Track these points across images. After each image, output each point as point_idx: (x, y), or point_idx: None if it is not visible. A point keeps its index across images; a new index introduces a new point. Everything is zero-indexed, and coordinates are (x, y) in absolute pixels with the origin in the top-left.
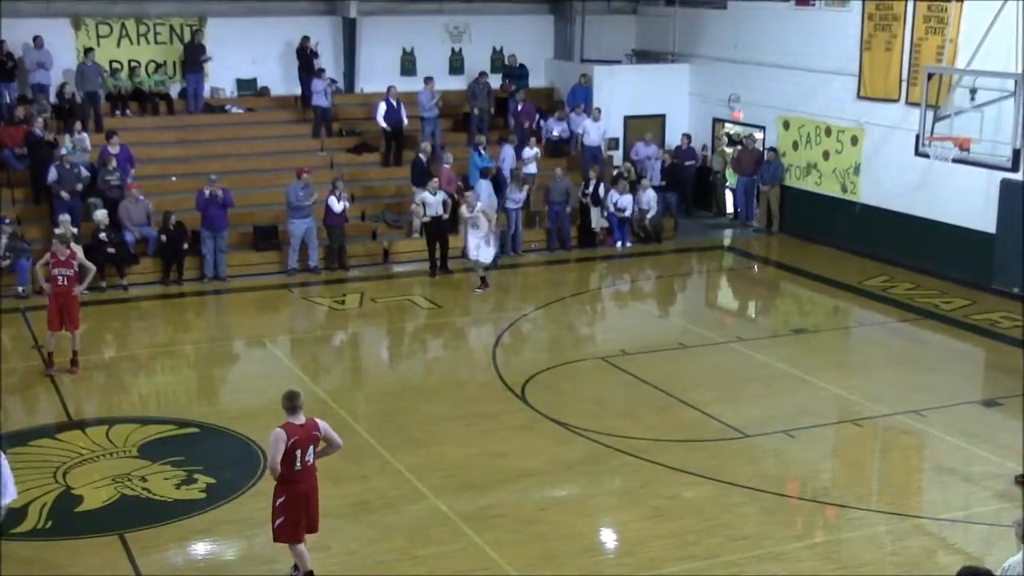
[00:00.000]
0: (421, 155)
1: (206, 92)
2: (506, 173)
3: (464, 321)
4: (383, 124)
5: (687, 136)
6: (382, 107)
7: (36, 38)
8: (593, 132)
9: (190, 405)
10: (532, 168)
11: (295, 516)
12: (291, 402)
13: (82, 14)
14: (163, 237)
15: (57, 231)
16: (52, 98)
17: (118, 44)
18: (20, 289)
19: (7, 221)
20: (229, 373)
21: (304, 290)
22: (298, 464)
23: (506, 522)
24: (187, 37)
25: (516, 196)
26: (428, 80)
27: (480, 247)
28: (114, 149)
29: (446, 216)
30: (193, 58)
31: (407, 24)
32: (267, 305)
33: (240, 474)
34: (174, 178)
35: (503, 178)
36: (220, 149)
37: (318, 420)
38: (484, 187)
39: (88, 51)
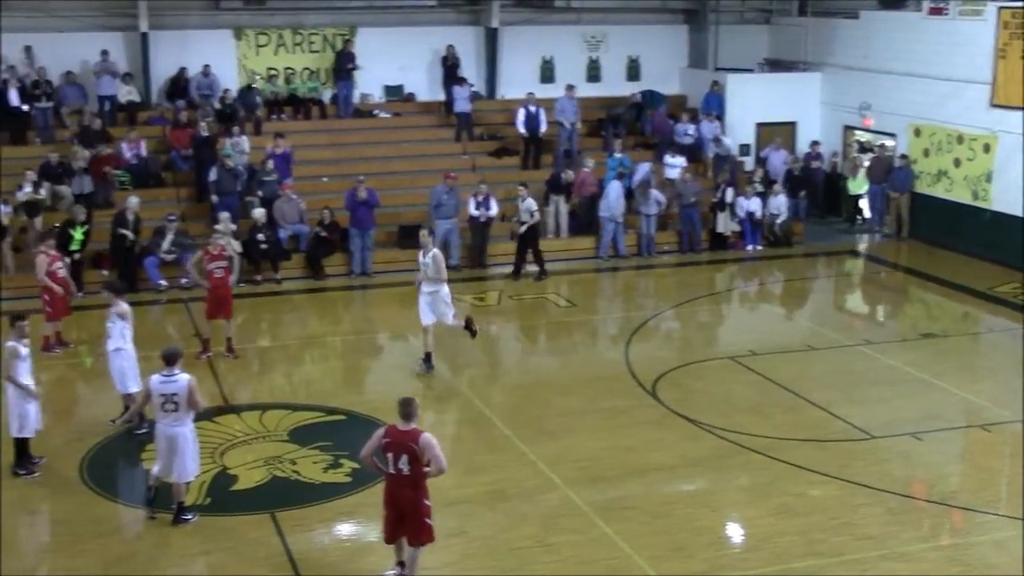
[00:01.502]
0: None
1: (356, 98)
2: (634, 183)
3: (598, 319)
4: (523, 130)
5: (816, 143)
6: (522, 113)
7: (205, 67)
8: (724, 138)
9: (337, 394)
10: (674, 174)
11: (387, 514)
12: (402, 408)
13: (243, 25)
14: (322, 232)
15: (217, 227)
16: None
17: (275, 52)
18: (184, 281)
19: (173, 218)
20: (374, 364)
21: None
22: (390, 467)
23: (636, 514)
24: (338, 46)
25: (648, 208)
26: (570, 87)
27: (425, 308)
28: (279, 150)
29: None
30: (344, 66)
31: (546, 34)
32: (410, 301)
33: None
34: (325, 179)
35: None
36: (368, 152)
37: (425, 435)
38: (615, 188)
39: (250, 87)
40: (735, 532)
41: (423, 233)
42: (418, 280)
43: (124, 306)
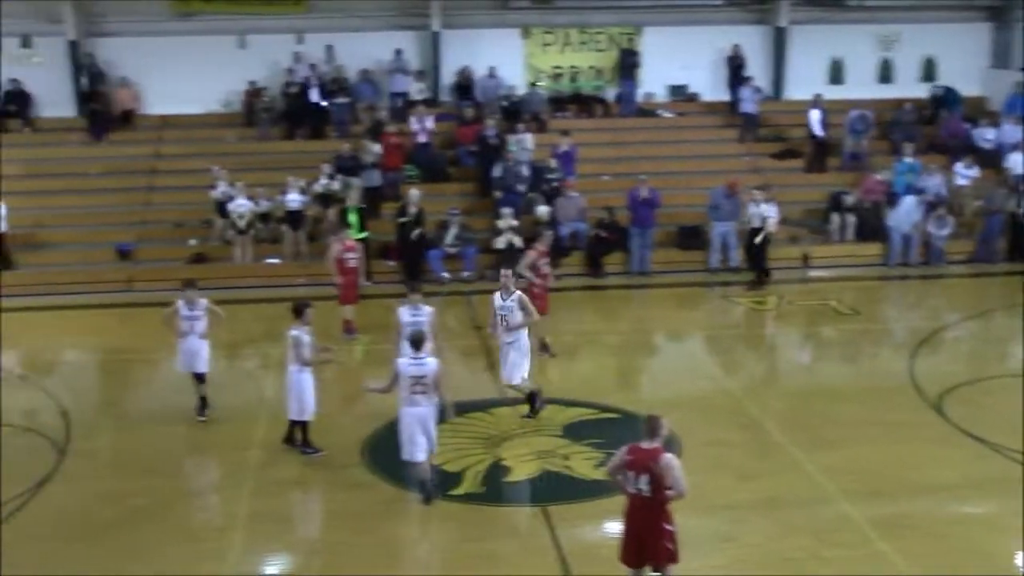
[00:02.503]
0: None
1: (639, 97)
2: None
3: (882, 329)
4: (820, 131)
5: None
6: (815, 115)
7: (491, 67)
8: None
9: (611, 391)
10: (964, 181)
11: (626, 535)
12: (647, 425)
13: (531, 24)
14: (602, 233)
15: (499, 224)
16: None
17: (561, 51)
18: (466, 274)
19: (456, 212)
20: (649, 364)
21: (724, 289)
22: (630, 486)
23: (915, 533)
24: (623, 45)
25: (940, 230)
26: (861, 103)
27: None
28: (562, 148)
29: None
30: (627, 64)
31: (836, 33)
32: (687, 302)
33: None
34: (606, 177)
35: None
36: (650, 151)
37: (667, 456)
38: (908, 203)
39: (535, 85)
40: (1020, 560)
41: (505, 274)
42: (493, 325)
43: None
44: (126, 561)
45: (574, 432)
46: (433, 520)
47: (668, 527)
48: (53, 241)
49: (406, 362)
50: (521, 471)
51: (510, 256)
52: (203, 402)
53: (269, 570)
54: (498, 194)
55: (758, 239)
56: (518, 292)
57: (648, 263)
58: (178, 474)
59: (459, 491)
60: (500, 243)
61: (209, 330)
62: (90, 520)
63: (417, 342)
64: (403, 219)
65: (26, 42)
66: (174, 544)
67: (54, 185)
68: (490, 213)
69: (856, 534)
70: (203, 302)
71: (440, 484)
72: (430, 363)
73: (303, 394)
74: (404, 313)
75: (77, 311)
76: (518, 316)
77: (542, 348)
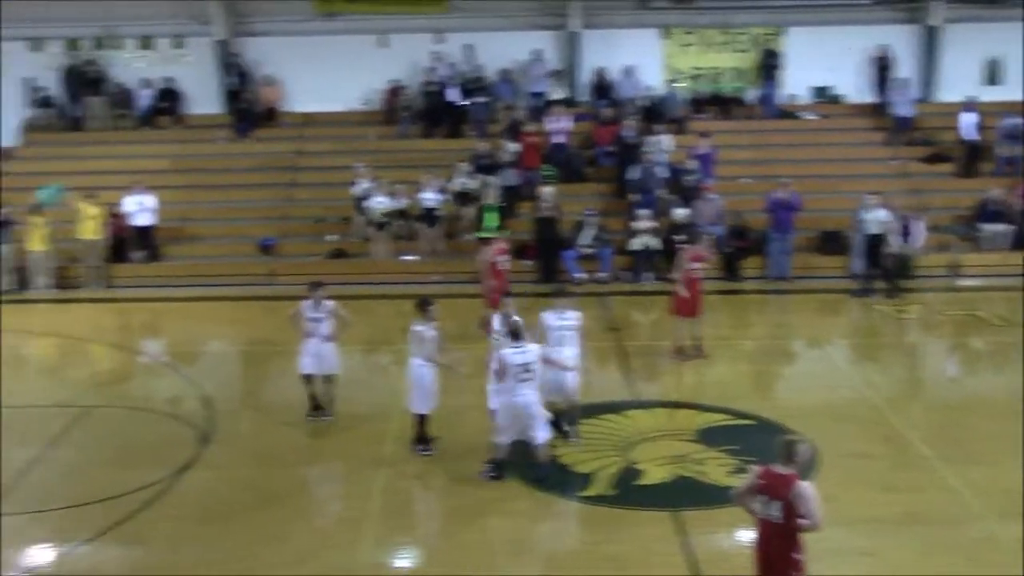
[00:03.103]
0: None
1: (781, 99)
2: None
3: None
4: (970, 135)
5: None
6: (967, 118)
7: (628, 67)
8: None
9: (747, 397)
10: None
11: (757, 561)
12: (782, 449)
13: (671, 24)
14: (735, 241)
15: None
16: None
17: (701, 51)
18: (601, 275)
19: (592, 213)
20: (786, 371)
21: (866, 296)
22: (760, 512)
23: None
24: (766, 45)
25: None
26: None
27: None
28: (701, 150)
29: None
30: (769, 65)
31: (994, 31)
32: (828, 308)
33: None
34: (746, 180)
35: None
36: (791, 154)
37: (802, 484)
38: None
39: (674, 85)
40: None
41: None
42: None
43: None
44: (259, 546)
45: (709, 438)
46: (562, 520)
47: (797, 556)
48: (199, 234)
49: (511, 352)
50: (654, 475)
51: (646, 257)
52: (314, 401)
53: (397, 562)
54: (635, 196)
55: (890, 249)
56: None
57: (787, 268)
58: (313, 464)
59: (589, 492)
60: (636, 245)
61: (335, 333)
62: (227, 505)
63: (516, 332)
64: (539, 217)
65: (178, 42)
66: (306, 532)
67: (201, 180)
68: (627, 214)
69: (1009, 555)
70: (329, 304)
71: (571, 485)
72: (532, 350)
73: (423, 387)
74: (550, 318)
75: (220, 302)
76: None
77: (677, 352)
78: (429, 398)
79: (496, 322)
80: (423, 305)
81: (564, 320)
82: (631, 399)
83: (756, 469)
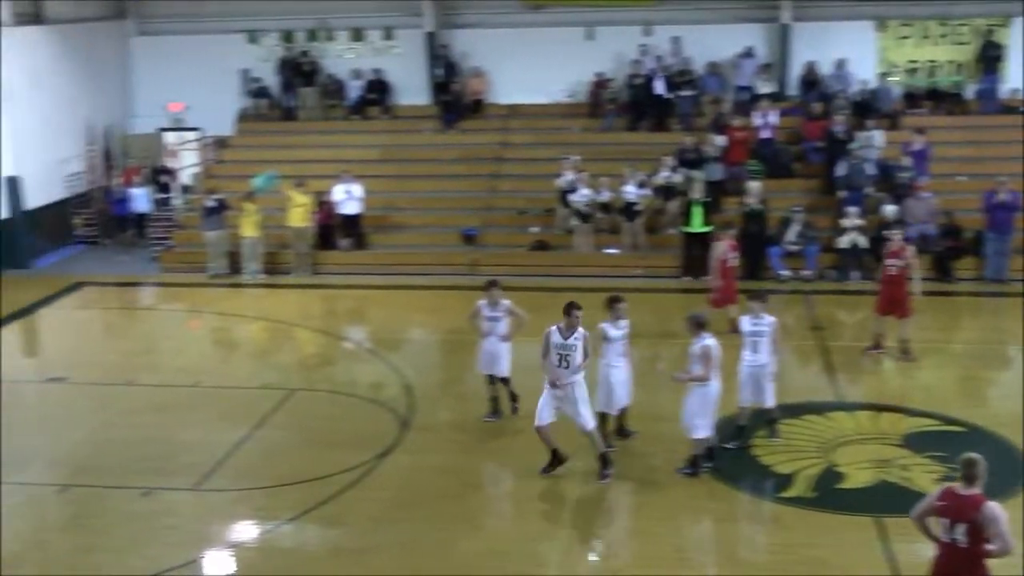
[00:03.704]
0: None
1: (1002, 93)
2: None
3: None
4: None
5: None
6: None
7: (840, 60)
8: None
9: (957, 403)
10: None
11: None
12: (965, 468)
13: (887, 16)
14: (947, 242)
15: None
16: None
17: (918, 44)
18: (806, 273)
19: (799, 209)
20: (999, 376)
21: None
22: (943, 535)
23: None
24: (987, 37)
25: None
26: None
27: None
28: (915, 146)
29: None
30: (990, 58)
31: None
32: None
33: (998, 482)
34: (962, 178)
35: None
36: (1013, 151)
37: (990, 505)
38: None
39: (887, 79)
40: None
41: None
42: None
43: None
44: (455, 534)
45: (916, 443)
46: (760, 521)
47: None
48: (404, 223)
49: (715, 344)
50: (856, 479)
51: (853, 256)
52: (494, 403)
53: (591, 557)
54: (843, 192)
55: None
56: (582, 330)
57: (1005, 270)
58: (510, 455)
59: (790, 494)
60: (844, 243)
61: (511, 332)
62: (424, 491)
63: (701, 324)
64: (746, 212)
65: (388, 34)
66: (501, 523)
67: (407, 170)
68: (834, 211)
69: None
70: (506, 303)
71: (771, 485)
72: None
73: (608, 386)
74: (745, 322)
75: (423, 291)
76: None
77: (874, 347)
78: (614, 397)
79: (744, 322)
80: (612, 303)
81: (759, 325)
82: (834, 400)
83: (936, 490)
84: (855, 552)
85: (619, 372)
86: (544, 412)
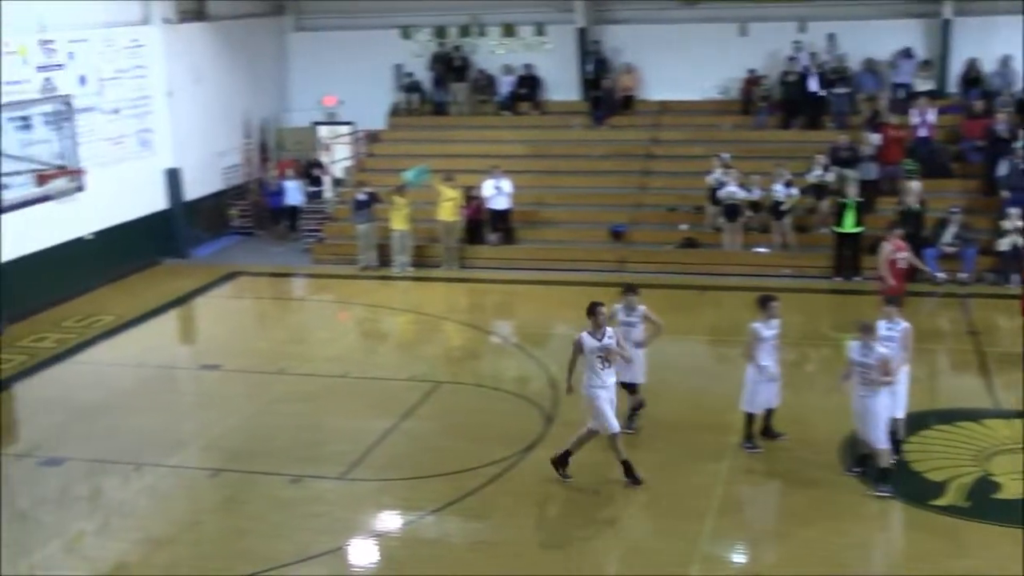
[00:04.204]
0: None
1: None
2: None
3: None
4: None
5: None
6: None
7: (1006, 58)
8: None
9: None
10: None
11: None
12: None
13: None
14: None
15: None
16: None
17: None
18: (962, 276)
19: (957, 210)
20: None
21: None
22: None
23: None
24: None
25: None
26: None
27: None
28: None
29: None
30: None
31: None
32: None
33: None
34: None
35: None
36: None
37: None
38: None
39: None
40: None
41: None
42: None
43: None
44: (594, 530)
45: None
46: (910, 528)
47: None
48: (552, 219)
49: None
50: (1012, 489)
51: (1014, 259)
52: (633, 413)
53: (735, 557)
54: (1004, 193)
55: None
56: (610, 328)
57: None
58: (654, 453)
59: (941, 502)
60: (1004, 245)
61: (647, 338)
62: (566, 487)
63: (868, 329)
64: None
65: (539, 30)
66: (642, 521)
67: (556, 166)
68: (994, 213)
69: None
70: (642, 308)
71: (922, 492)
72: (879, 351)
73: (755, 386)
74: (881, 327)
75: (570, 287)
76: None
77: None
78: (760, 397)
79: (880, 327)
80: (765, 302)
81: (892, 330)
82: (990, 407)
83: None
84: (1008, 565)
85: (770, 372)
86: (614, 418)
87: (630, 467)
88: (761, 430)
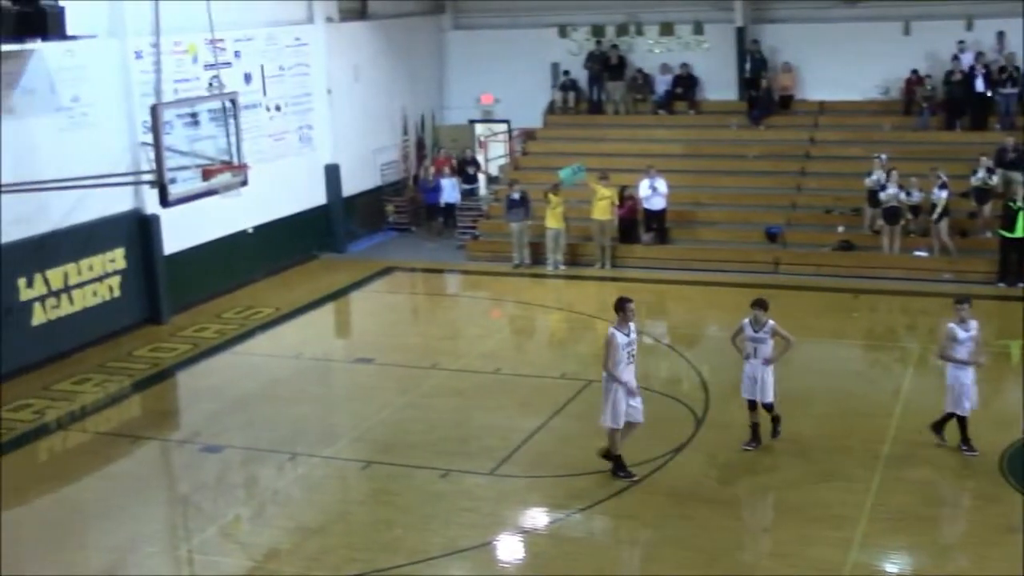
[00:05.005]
0: None
1: None
2: None
3: None
4: None
5: None
6: None
7: None
8: None
9: None
10: None
11: None
12: None
13: None
14: None
15: None
16: None
17: None
18: None
19: None
20: None
21: None
22: None
23: None
24: None
25: None
26: None
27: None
28: None
29: None
30: None
31: None
32: None
33: None
34: None
35: None
36: None
37: None
38: None
39: None
40: None
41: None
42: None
43: None
44: (739, 533)
45: None
46: None
47: None
48: (707, 219)
49: None
50: None
51: None
52: (754, 429)
53: (888, 567)
54: None
55: None
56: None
57: None
58: (806, 458)
59: None
60: None
61: (775, 355)
62: (713, 489)
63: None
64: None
65: (697, 28)
66: (793, 526)
67: (712, 165)
68: None
69: None
70: (770, 323)
71: None
72: None
73: (956, 389)
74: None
75: (723, 288)
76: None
77: None
78: (965, 399)
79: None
80: (959, 303)
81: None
82: None
83: None
84: None
85: (969, 374)
86: (622, 415)
87: (621, 461)
88: (935, 422)
